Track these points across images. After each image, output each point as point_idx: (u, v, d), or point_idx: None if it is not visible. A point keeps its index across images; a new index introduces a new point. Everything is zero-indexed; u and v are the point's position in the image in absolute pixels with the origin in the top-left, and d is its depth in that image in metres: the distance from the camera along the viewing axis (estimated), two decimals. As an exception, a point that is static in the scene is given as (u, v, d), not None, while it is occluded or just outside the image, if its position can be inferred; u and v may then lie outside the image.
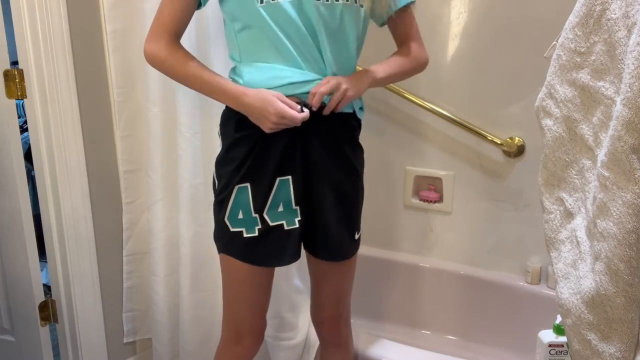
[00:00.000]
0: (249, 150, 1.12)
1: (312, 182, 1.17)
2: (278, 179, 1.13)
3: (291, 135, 1.12)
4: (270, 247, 1.15)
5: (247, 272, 1.18)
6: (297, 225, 1.16)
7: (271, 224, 1.14)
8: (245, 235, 1.14)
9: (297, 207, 1.15)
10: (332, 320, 1.34)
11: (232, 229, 1.15)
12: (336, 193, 1.19)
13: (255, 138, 1.12)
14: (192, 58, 1.13)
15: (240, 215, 1.13)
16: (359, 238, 1.28)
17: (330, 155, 1.17)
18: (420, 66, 1.29)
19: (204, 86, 1.12)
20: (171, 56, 1.11)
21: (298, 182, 1.15)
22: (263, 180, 1.13)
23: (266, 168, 1.12)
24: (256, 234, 1.14)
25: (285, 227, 1.15)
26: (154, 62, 1.14)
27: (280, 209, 1.14)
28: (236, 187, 1.13)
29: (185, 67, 1.11)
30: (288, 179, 1.13)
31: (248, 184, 1.12)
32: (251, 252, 1.16)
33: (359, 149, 1.25)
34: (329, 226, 1.20)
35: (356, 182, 1.23)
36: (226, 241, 1.17)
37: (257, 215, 1.13)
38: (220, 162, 1.18)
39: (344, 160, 1.19)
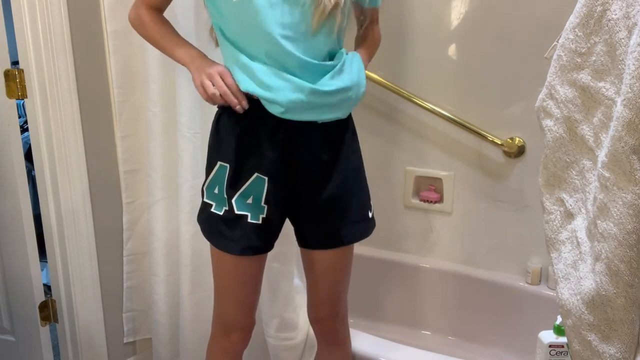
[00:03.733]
0: (237, 134, 1.15)
1: (298, 185, 1.18)
2: (256, 174, 1.14)
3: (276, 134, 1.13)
4: (230, 233, 1.17)
5: (230, 261, 1.20)
6: (260, 222, 1.17)
7: (236, 212, 1.15)
8: (212, 210, 1.18)
9: (265, 206, 1.16)
10: (328, 319, 1.34)
11: (204, 199, 1.20)
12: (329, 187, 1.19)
13: (242, 125, 1.15)
14: (168, 23, 1.21)
15: (216, 190, 1.17)
16: (371, 218, 1.27)
17: (318, 161, 1.17)
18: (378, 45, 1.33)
19: (165, 47, 1.20)
20: (152, 20, 1.19)
21: (276, 183, 1.16)
22: (241, 170, 1.15)
23: (247, 160, 1.15)
24: (221, 213, 1.17)
25: (249, 220, 1.16)
26: (135, 24, 1.22)
27: (249, 201, 1.16)
28: (218, 163, 1.17)
29: (158, 30, 1.19)
30: (264, 179, 1.15)
31: (228, 165, 1.16)
32: (216, 231, 1.19)
33: (351, 149, 1.23)
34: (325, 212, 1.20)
35: (353, 172, 1.23)
36: (203, 216, 1.22)
37: (227, 197, 1.16)
38: (212, 134, 1.22)
39: (335, 163, 1.20)
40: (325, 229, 1.22)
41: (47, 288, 1.75)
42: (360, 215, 1.24)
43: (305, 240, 1.27)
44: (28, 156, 1.65)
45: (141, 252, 1.80)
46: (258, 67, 1.08)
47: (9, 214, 1.67)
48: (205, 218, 1.21)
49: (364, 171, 1.27)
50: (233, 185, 1.15)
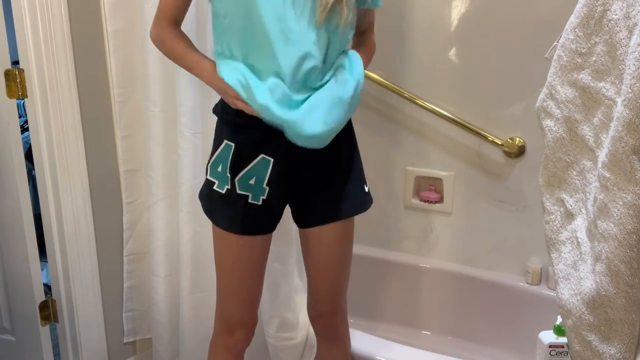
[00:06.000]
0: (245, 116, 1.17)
1: (300, 167, 1.20)
2: (262, 155, 1.17)
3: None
4: (231, 212, 1.19)
5: (232, 241, 1.21)
6: (260, 203, 1.19)
7: (237, 191, 1.18)
8: (214, 187, 1.20)
9: (267, 188, 1.18)
10: (329, 315, 1.35)
11: (208, 176, 1.22)
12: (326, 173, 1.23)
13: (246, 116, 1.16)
14: (185, 39, 1.22)
15: (219, 169, 1.20)
16: (369, 192, 1.31)
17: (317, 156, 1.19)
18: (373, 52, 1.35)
19: (187, 63, 1.21)
20: (169, 38, 1.21)
21: (281, 165, 1.18)
22: (247, 150, 1.17)
23: (253, 141, 1.17)
24: (224, 191, 1.19)
25: (249, 200, 1.18)
26: (156, 44, 1.24)
27: (252, 182, 1.18)
28: (224, 142, 1.19)
29: (177, 46, 1.21)
30: (270, 161, 1.17)
31: (234, 145, 1.18)
32: (217, 209, 1.21)
33: (350, 145, 1.27)
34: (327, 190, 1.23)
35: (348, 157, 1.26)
36: (205, 193, 1.24)
37: (230, 176, 1.18)
38: (220, 115, 1.24)
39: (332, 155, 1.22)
40: (322, 205, 1.24)
41: (47, 288, 1.75)
42: (357, 189, 1.26)
43: (302, 219, 1.28)
44: (28, 156, 1.65)
45: (141, 252, 1.80)
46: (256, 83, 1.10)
47: (9, 214, 1.67)
48: (207, 195, 1.23)
49: (358, 147, 1.29)
50: (237, 164, 1.18)
